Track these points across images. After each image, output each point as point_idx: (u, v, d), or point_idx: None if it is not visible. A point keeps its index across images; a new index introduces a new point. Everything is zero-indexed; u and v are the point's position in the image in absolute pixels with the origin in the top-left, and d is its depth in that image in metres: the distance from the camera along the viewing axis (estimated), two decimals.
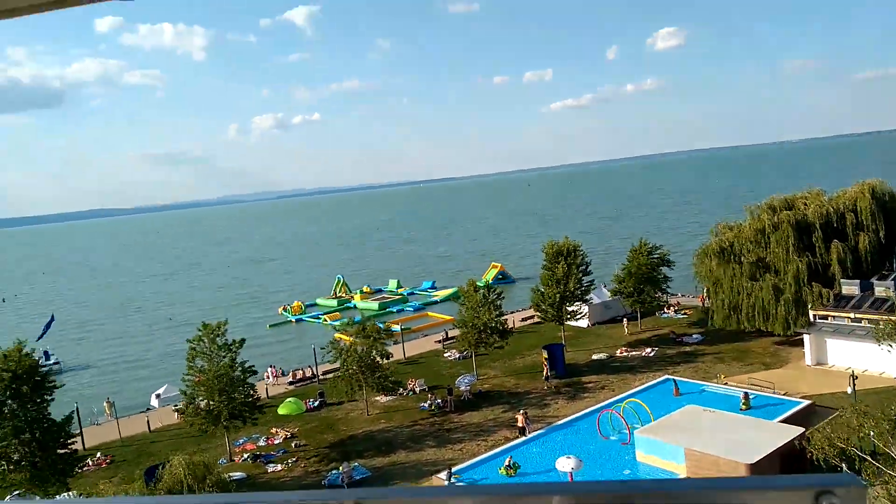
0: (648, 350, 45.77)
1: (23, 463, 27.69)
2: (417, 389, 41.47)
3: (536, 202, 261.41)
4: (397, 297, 77.23)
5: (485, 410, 37.41)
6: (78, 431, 35.14)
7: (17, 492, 28.26)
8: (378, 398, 40.15)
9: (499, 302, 42.25)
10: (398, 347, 49.40)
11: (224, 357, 32.72)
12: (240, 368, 32.76)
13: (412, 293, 79.92)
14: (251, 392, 33.22)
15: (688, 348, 45.51)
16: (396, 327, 60.71)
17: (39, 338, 59.00)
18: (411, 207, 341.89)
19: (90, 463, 34.83)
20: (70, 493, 27.91)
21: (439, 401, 38.45)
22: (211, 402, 31.93)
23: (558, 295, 45.24)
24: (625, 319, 51.23)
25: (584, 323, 51.78)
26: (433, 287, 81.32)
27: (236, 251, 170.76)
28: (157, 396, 41.97)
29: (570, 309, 46.61)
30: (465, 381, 40.14)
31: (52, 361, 56.37)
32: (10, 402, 28.00)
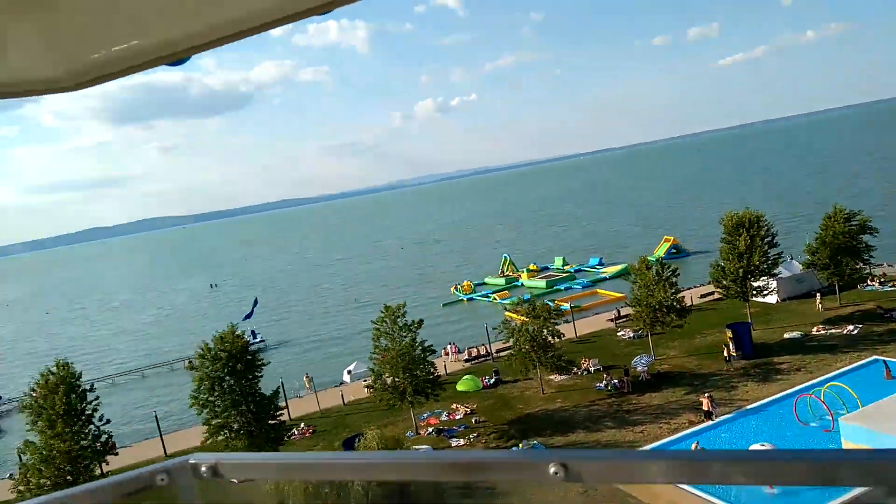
0: (851, 327, 41.35)
1: (241, 431, 31.57)
2: (591, 369, 41.05)
3: (709, 169, 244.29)
4: (564, 274, 76.64)
5: (665, 392, 36.16)
6: (284, 404, 39.16)
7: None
8: (552, 377, 40.35)
9: (674, 279, 40.41)
10: (569, 326, 49.15)
11: (405, 337, 34.73)
12: (420, 348, 34.57)
13: (579, 270, 78.83)
14: (431, 370, 34.96)
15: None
16: (566, 305, 60.42)
17: (246, 318, 66.38)
18: (575, 181, 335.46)
19: (296, 432, 38.83)
20: None
21: (615, 381, 37.80)
22: (396, 379, 34.12)
23: (741, 270, 42.26)
24: (818, 295, 46.62)
25: (772, 299, 47.95)
26: (601, 263, 79.57)
27: (407, 234, 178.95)
28: (349, 372, 45.56)
29: (755, 284, 43.41)
30: (643, 361, 39.04)
31: (258, 340, 63.29)
32: (227, 378, 31.93)
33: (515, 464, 1.40)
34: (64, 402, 29.34)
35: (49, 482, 27.91)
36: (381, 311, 35.22)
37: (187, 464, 1.57)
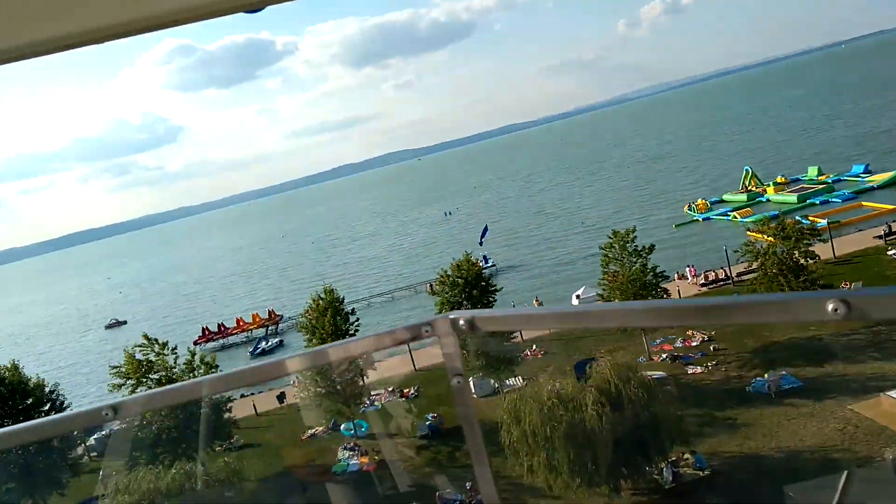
0: None
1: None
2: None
3: None
4: (820, 186, 67.83)
5: None
6: None
7: None
8: None
9: None
10: (826, 246, 43.91)
11: (635, 262, 34.02)
12: (651, 273, 33.67)
13: (839, 180, 69.10)
14: (664, 296, 33.98)
15: None
16: (822, 221, 53.79)
17: (480, 242, 70.00)
18: (825, 78, 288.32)
19: (528, 353, 40.71)
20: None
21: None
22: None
23: None
24: None
25: None
26: (867, 171, 68.76)
27: (636, 150, 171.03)
28: (577, 297, 46.07)
29: None
30: None
31: (489, 264, 66.53)
32: (465, 303, 34.35)
33: (789, 304, 1.39)
34: (331, 322, 34.14)
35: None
36: (610, 237, 34.75)
37: (447, 319, 1.90)
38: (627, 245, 33.92)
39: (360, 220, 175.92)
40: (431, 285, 68.05)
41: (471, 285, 33.24)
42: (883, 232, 45.49)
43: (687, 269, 48.08)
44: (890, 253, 42.05)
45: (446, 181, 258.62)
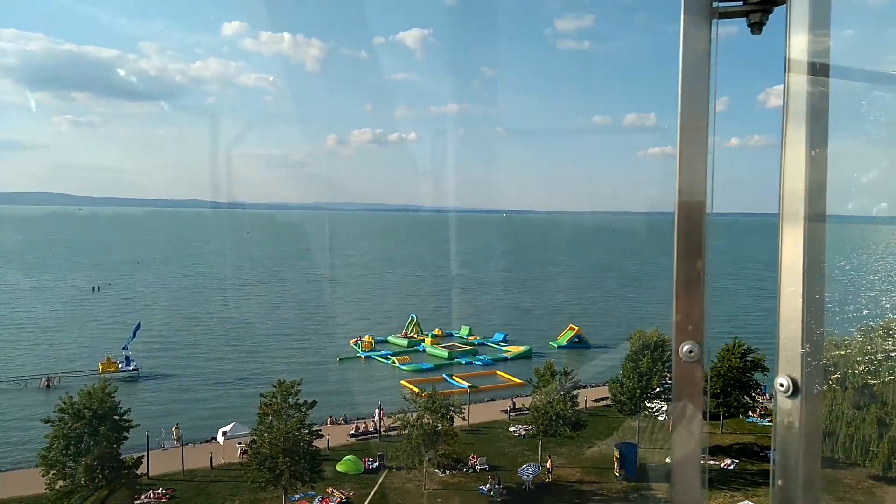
0: (728, 462, 42.79)
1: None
2: (478, 468, 40.22)
3: (625, 251, 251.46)
4: (468, 347, 76.08)
5: None
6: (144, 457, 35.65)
7: None
8: (437, 470, 39.16)
9: (575, 392, 40.68)
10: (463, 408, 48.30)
11: (293, 415, 32.73)
12: (308, 431, 32.63)
13: (482, 344, 78.62)
14: (315, 458, 33.00)
15: (769, 466, 42.06)
16: (465, 384, 59.76)
17: (125, 347, 61.59)
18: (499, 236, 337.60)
19: (151, 495, 35.42)
20: None
21: (500, 487, 37.07)
22: (275, 460, 31.87)
23: (639, 390, 43.12)
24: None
25: (663, 417, 49.18)
26: (505, 340, 79.69)
27: (319, 266, 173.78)
28: (224, 434, 42.50)
29: (649, 405, 44.39)
30: (529, 471, 38.53)
31: (131, 367, 59.03)
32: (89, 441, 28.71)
33: None
34: None
35: None
36: (274, 386, 33.12)
37: None
38: (290, 398, 32.62)
39: None
40: (49, 381, 57.12)
41: (100, 420, 28.02)
42: (509, 407, 51.93)
43: (377, 411, 48.47)
44: (511, 429, 47.89)
45: (108, 244, 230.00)
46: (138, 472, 29.90)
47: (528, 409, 44.16)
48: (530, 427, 43.09)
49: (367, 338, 76.20)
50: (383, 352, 73.25)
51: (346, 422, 48.54)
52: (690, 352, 1.76)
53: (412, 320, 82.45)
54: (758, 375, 48.04)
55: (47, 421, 30.17)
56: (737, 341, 47.95)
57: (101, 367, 59.14)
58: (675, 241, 1.74)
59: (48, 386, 56.49)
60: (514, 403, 52.07)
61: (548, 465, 39.89)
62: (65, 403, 28.10)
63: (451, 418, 37.48)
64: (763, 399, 53.72)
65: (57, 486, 27.75)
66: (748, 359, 46.93)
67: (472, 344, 77.56)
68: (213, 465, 40.07)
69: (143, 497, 33.95)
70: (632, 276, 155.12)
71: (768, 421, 51.16)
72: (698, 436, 1.84)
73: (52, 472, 27.61)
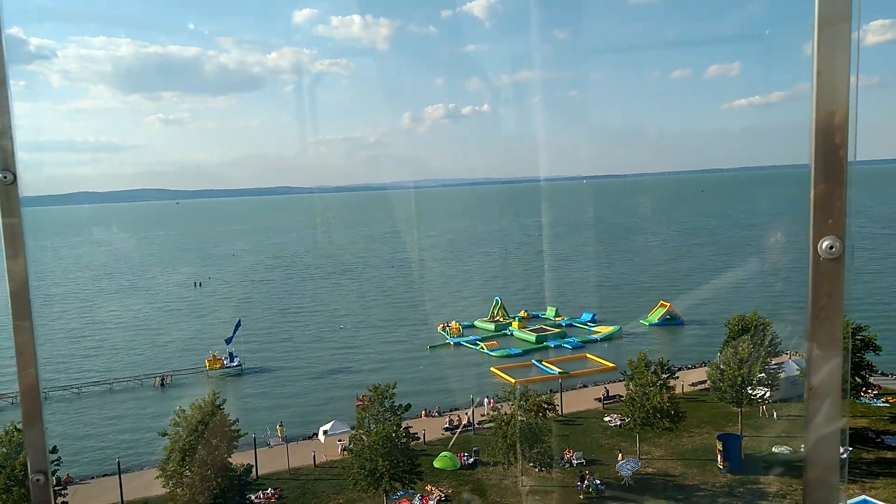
0: (840, 450, 40.32)
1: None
2: (574, 462, 39.93)
3: (715, 213, 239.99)
4: (555, 329, 75.14)
5: None
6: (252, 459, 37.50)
7: None
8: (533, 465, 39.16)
9: (671, 382, 39.48)
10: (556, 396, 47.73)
11: (389, 418, 33.46)
12: (404, 434, 33.28)
13: (570, 325, 77.52)
14: (414, 460, 33.65)
15: (890, 454, 39.49)
16: (555, 369, 59.33)
17: (229, 340, 64.95)
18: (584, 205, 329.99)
19: (261, 495, 37.29)
20: None
21: (599, 483, 36.69)
22: (373, 464, 32.73)
23: (740, 378, 41.35)
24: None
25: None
26: (593, 320, 78.20)
27: (425, 246, 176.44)
28: (325, 432, 43.98)
29: (751, 393, 42.53)
30: (628, 466, 37.87)
31: (235, 363, 62.25)
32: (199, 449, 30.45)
33: None
34: None
35: None
36: (370, 390, 33.94)
37: None
38: (385, 402, 33.33)
39: (76, 273, 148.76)
40: (163, 379, 61.08)
41: (211, 432, 29.69)
42: (602, 395, 51.09)
43: (481, 400, 49.22)
44: (606, 419, 47.15)
45: (204, 235, 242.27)
46: (248, 478, 31.41)
47: (622, 399, 43.39)
48: (626, 418, 42.38)
49: (454, 324, 76.68)
50: (471, 337, 73.64)
51: (439, 414, 49.25)
52: (831, 247, 1.56)
53: (497, 303, 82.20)
54: (868, 355, 45.03)
55: (164, 434, 32.27)
56: (849, 320, 45.01)
57: (207, 365, 62.81)
58: (813, 124, 1.53)
59: (162, 384, 60.42)
60: (607, 391, 51.20)
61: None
62: (178, 417, 29.92)
63: (545, 414, 37.22)
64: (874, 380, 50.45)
65: (177, 493, 29.72)
66: (858, 337, 43.99)
67: (559, 326, 76.73)
68: (316, 463, 41.71)
69: (253, 497, 35.82)
70: (725, 243, 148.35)
71: (883, 402, 48.02)
72: (838, 363, 1.71)
73: (171, 482, 29.61)
